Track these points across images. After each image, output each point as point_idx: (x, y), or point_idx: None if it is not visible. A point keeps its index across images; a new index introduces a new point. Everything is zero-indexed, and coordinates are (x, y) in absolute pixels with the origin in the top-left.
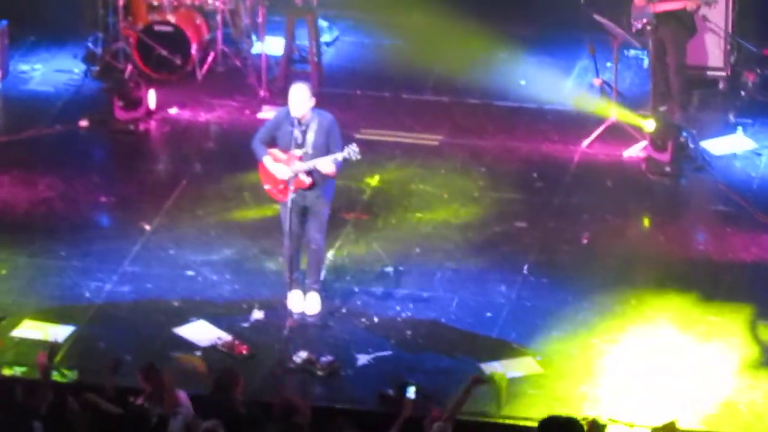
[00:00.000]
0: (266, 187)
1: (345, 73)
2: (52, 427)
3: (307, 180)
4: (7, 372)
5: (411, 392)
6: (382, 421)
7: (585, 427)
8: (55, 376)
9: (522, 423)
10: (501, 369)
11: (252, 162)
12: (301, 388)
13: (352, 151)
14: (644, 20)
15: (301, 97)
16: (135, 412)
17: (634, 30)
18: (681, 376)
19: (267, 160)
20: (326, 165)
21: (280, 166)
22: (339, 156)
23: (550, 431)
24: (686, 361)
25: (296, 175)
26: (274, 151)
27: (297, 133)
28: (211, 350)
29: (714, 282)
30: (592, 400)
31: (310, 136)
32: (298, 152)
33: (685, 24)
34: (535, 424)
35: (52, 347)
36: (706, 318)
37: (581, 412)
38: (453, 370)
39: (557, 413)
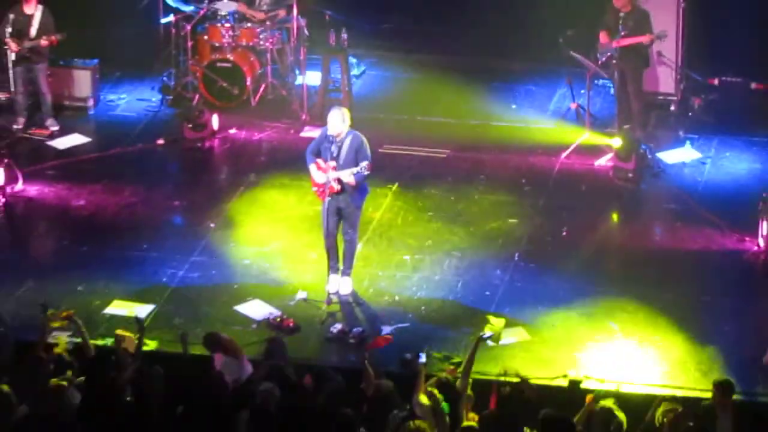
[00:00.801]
0: (314, 189)
1: (370, 101)
2: (138, 390)
3: (337, 187)
4: (100, 342)
5: (423, 357)
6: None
7: (567, 384)
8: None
9: (516, 380)
10: (495, 338)
11: (294, 172)
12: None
13: (363, 166)
14: (608, 54)
15: (335, 119)
16: (210, 378)
17: (600, 63)
18: (642, 342)
19: (312, 168)
20: (346, 176)
21: (319, 173)
22: (355, 170)
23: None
24: (646, 330)
25: (329, 182)
26: (319, 160)
27: (333, 148)
28: (264, 323)
29: (668, 267)
30: (571, 361)
31: (343, 152)
32: (332, 164)
33: (642, 57)
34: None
35: (139, 323)
36: (661, 296)
37: (563, 371)
38: (459, 338)
39: (543, 372)
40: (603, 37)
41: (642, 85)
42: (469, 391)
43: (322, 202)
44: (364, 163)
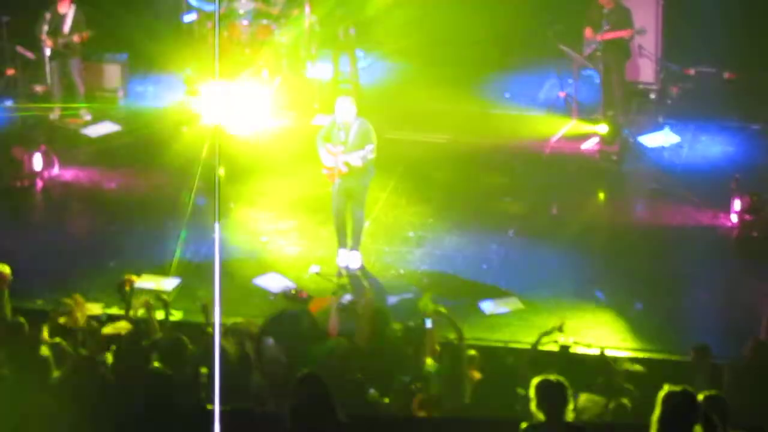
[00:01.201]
0: (324, 171)
1: (376, 90)
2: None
3: (345, 169)
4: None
5: (429, 323)
6: None
7: (558, 348)
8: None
9: (511, 345)
10: (494, 306)
11: (307, 155)
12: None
13: (368, 149)
14: (593, 47)
15: (343, 107)
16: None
17: (585, 55)
18: (626, 310)
19: (322, 152)
20: (354, 159)
21: (329, 157)
22: (361, 153)
23: (542, 390)
24: (629, 299)
25: (338, 165)
26: (328, 145)
27: (341, 134)
28: (281, 294)
29: (649, 240)
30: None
31: (351, 137)
32: (341, 148)
33: (623, 49)
34: (521, 345)
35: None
36: (643, 267)
37: (553, 337)
38: (459, 306)
39: (535, 338)
40: (588, 31)
41: (624, 75)
42: (474, 352)
43: (332, 184)
44: (370, 147)
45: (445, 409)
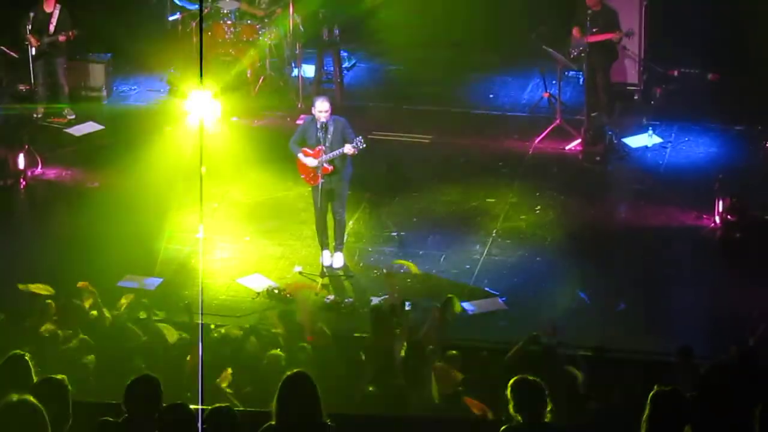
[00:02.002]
0: (302, 176)
1: (360, 90)
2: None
3: (330, 167)
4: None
5: (408, 306)
6: None
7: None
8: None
9: (493, 346)
10: (475, 308)
11: (291, 156)
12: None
13: (358, 140)
14: (580, 48)
15: (322, 107)
16: None
17: (572, 56)
18: (610, 310)
19: (301, 155)
20: (348, 149)
21: (310, 159)
22: (352, 144)
23: (520, 390)
24: (613, 299)
25: (322, 164)
26: (305, 148)
27: (320, 133)
28: (264, 293)
29: (633, 241)
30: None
31: (329, 135)
32: (322, 147)
33: (610, 51)
34: (504, 346)
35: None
36: (627, 267)
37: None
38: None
39: (518, 338)
40: (575, 32)
41: (610, 77)
42: (455, 352)
43: (313, 186)
44: (359, 138)
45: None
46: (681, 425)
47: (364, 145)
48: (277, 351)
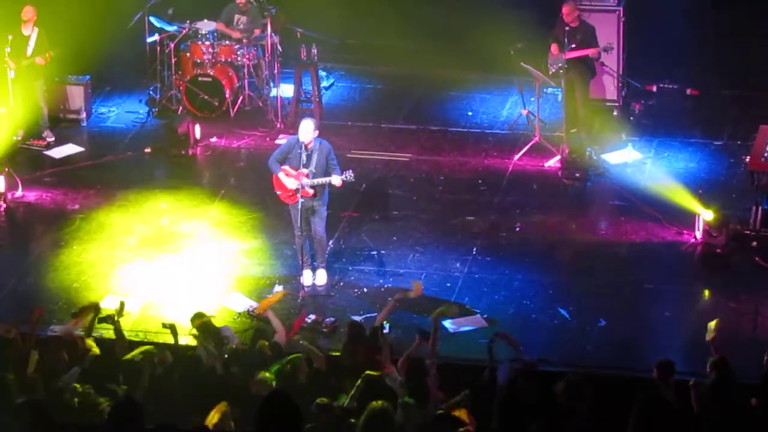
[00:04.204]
0: (278, 192)
1: (339, 110)
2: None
3: (311, 192)
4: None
5: (387, 328)
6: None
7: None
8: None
9: (474, 364)
10: (455, 326)
11: (270, 176)
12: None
13: (348, 174)
14: (558, 65)
15: (308, 128)
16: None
17: (551, 72)
18: (590, 327)
19: (281, 175)
20: (336, 181)
21: (290, 180)
22: (342, 176)
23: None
24: (593, 316)
25: (303, 187)
26: (286, 167)
27: (304, 156)
28: (244, 314)
29: (613, 257)
30: (526, 345)
31: (314, 159)
32: (305, 171)
33: (588, 67)
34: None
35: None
36: (608, 284)
37: (518, 355)
38: (422, 324)
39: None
40: (554, 49)
41: (588, 93)
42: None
43: (291, 205)
44: (349, 172)
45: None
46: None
47: (353, 180)
48: (265, 373)
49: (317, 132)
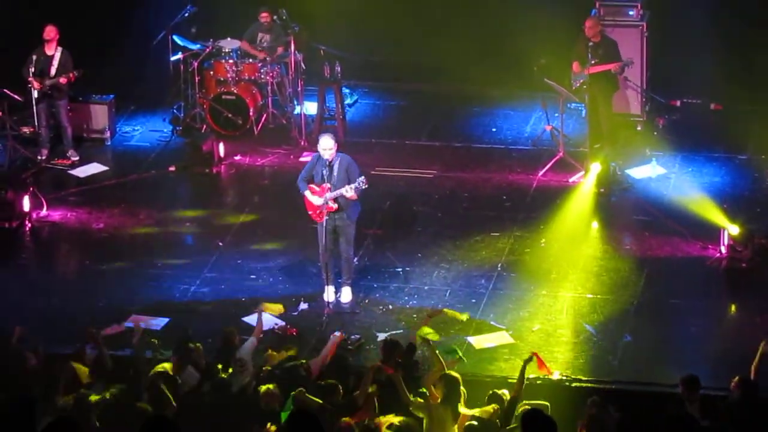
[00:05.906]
0: (309, 212)
1: (363, 127)
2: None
3: (334, 206)
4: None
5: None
6: None
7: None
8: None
9: (501, 378)
10: (481, 342)
11: (294, 193)
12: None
13: (360, 181)
14: (581, 80)
15: (326, 145)
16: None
17: (573, 88)
18: (615, 343)
19: (307, 193)
20: (347, 191)
21: (316, 197)
22: (353, 185)
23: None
24: (619, 332)
25: (327, 202)
26: (312, 185)
27: (325, 171)
28: (269, 332)
29: (638, 272)
30: (551, 362)
31: (335, 172)
32: (327, 185)
33: (611, 82)
34: (509, 378)
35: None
36: (633, 299)
37: (544, 370)
38: (448, 341)
39: (528, 371)
40: (576, 65)
41: (612, 108)
42: (463, 388)
43: (318, 223)
44: (361, 178)
45: None
46: None
47: (366, 186)
48: (269, 385)
49: (336, 146)
